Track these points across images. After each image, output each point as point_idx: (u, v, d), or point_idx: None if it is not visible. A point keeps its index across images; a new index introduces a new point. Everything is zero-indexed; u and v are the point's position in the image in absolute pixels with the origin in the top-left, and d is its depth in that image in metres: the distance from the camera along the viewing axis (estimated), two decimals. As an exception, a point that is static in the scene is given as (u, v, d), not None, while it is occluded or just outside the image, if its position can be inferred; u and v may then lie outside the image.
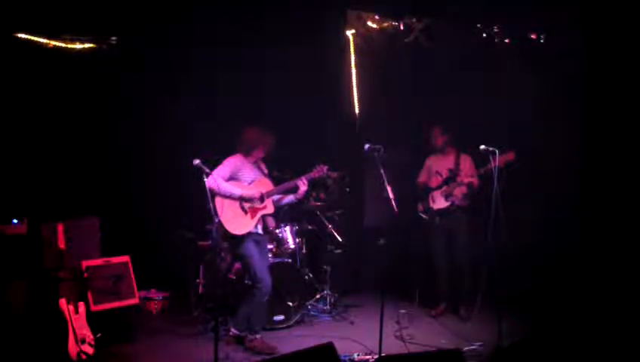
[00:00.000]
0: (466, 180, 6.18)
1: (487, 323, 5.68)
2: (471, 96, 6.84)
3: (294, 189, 5.55)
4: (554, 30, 6.54)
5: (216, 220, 5.33)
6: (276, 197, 5.68)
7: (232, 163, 5.47)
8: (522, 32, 6.64)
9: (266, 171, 5.71)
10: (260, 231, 5.58)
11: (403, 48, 6.58)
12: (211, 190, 5.19)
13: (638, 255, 5.82)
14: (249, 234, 5.44)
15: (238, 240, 5.43)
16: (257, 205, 5.47)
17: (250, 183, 5.49)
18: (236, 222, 5.39)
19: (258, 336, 5.43)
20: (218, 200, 5.33)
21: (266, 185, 5.57)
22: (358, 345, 5.44)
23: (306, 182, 5.50)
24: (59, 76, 6.45)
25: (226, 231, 5.38)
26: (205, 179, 4.83)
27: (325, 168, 5.58)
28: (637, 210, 5.94)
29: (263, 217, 5.58)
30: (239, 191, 5.37)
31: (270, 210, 5.59)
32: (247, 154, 5.55)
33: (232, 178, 5.44)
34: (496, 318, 5.03)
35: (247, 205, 5.45)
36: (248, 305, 5.46)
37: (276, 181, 5.72)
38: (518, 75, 6.63)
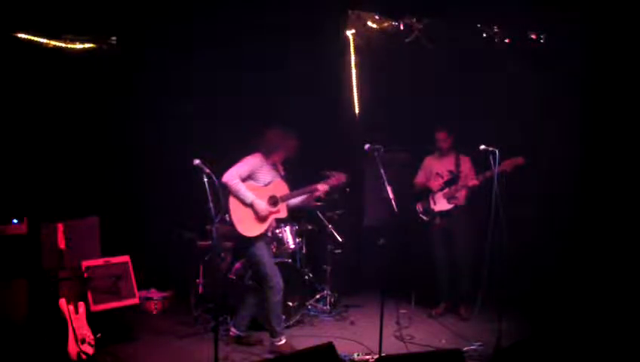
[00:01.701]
0: (470, 183, 6.18)
1: (487, 323, 5.68)
2: (471, 96, 6.84)
3: (310, 194, 5.51)
4: (554, 30, 6.54)
5: (227, 218, 5.29)
6: (294, 201, 5.59)
7: (251, 162, 5.37)
8: (522, 32, 6.63)
9: (283, 173, 5.60)
10: (269, 234, 5.55)
11: (403, 48, 6.58)
12: (226, 186, 5.15)
13: (638, 255, 5.81)
14: (259, 236, 5.37)
15: (248, 241, 5.35)
16: (272, 209, 5.38)
17: (266, 185, 5.40)
18: (248, 223, 5.31)
19: (284, 340, 5.35)
20: (232, 198, 5.26)
21: (282, 188, 5.48)
22: (358, 345, 5.44)
23: (326, 188, 5.42)
24: (59, 76, 6.45)
25: (235, 231, 5.31)
26: (204, 178, 4.78)
27: (344, 176, 5.50)
28: (637, 209, 5.94)
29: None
30: (251, 198, 5.27)
31: (283, 214, 5.48)
32: (267, 154, 5.44)
33: (249, 177, 5.35)
34: (496, 318, 5.03)
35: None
36: (262, 307, 5.39)
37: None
38: (518, 75, 6.63)
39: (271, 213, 5.37)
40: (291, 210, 5.69)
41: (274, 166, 5.51)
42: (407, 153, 7.21)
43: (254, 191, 5.32)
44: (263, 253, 5.38)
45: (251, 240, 5.35)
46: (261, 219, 5.34)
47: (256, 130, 5.60)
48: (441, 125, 6.49)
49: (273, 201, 5.39)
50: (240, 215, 5.29)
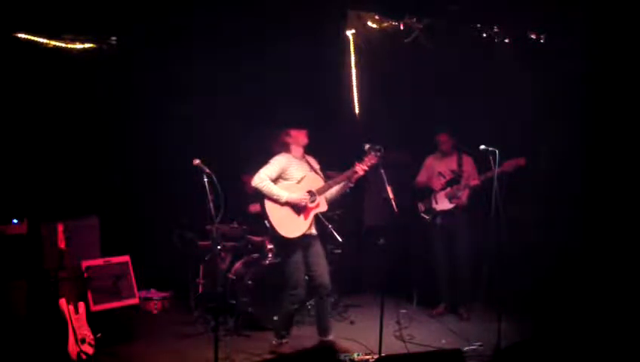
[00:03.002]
0: (472, 183, 6.19)
1: (487, 323, 5.68)
2: (471, 96, 6.84)
3: (348, 180, 5.23)
4: (554, 30, 6.54)
5: (267, 223, 5.20)
6: (331, 191, 5.35)
7: (279, 161, 5.25)
8: (522, 32, 6.64)
9: (317, 166, 5.45)
10: (314, 231, 5.32)
11: (403, 48, 6.58)
12: (257, 190, 5.09)
13: (638, 255, 5.81)
14: (302, 237, 5.20)
15: (288, 242, 5.20)
16: (310, 204, 5.21)
17: (299, 181, 5.26)
18: (288, 223, 5.15)
19: (284, 341, 5.32)
20: (267, 201, 5.14)
21: (316, 181, 5.31)
22: (358, 345, 5.44)
23: (366, 168, 5.11)
24: (59, 76, 6.44)
25: (275, 234, 5.19)
26: (204, 178, 4.76)
27: (379, 154, 5.12)
28: (638, 210, 5.94)
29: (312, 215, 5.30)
30: (285, 196, 5.12)
31: (324, 208, 5.29)
32: (289, 152, 5.36)
33: (280, 177, 5.23)
34: (496, 318, 5.03)
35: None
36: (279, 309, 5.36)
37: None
38: (518, 75, 6.63)
39: (310, 208, 5.20)
40: (331, 202, 5.45)
41: (304, 161, 5.38)
42: (407, 153, 7.21)
43: (289, 190, 5.18)
44: (298, 261, 5.21)
45: (289, 244, 5.19)
46: (301, 215, 5.17)
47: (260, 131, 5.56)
48: (441, 127, 6.49)
49: (311, 196, 5.22)
50: (279, 216, 5.14)
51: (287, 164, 5.27)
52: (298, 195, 5.16)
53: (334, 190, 5.35)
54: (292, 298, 5.26)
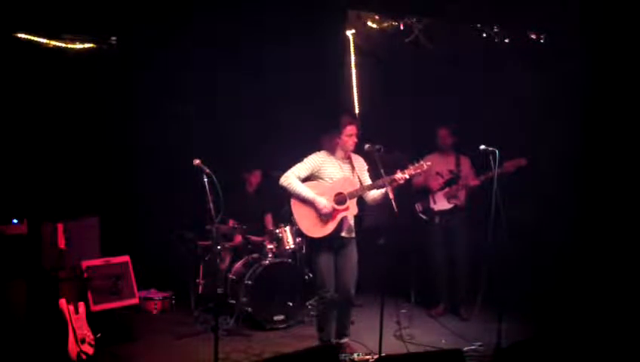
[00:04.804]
0: (472, 183, 6.19)
1: (487, 323, 5.68)
2: (471, 96, 6.84)
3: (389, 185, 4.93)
4: (554, 30, 6.54)
5: (293, 220, 5.17)
6: (372, 195, 5.17)
7: (312, 160, 5.14)
8: (522, 32, 6.64)
9: (363, 168, 5.28)
10: (344, 234, 5.13)
11: (403, 48, 6.59)
12: (282, 188, 5.04)
13: (637, 255, 5.81)
14: (328, 238, 5.06)
15: (312, 243, 5.16)
16: (339, 207, 5.06)
17: (332, 181, 5.12)
18: (313, 223, 5.04)
19: (340, 340, 5.23)
20: (292, 198, 5.08)
21: (350, 184, 5.11)
22: (358, 345, 5.44)
23: (407, 177, 4.93)
24: (59, 76, 6.45)
25: (299, 231, 5.15)
26: (204, 178, 4.75)
27: (426, 164, 5.02)
28: (637, 210, 5.94)
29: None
30: (311, 196, 5.00)
31: (353, 211, 5.11)
32: (330, 152, 5.24)
33: (313, 176, 5.13)
34: (496, 318, 5.03)
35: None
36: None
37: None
38: (518, 75, 6.63)
39: (337, 211, 5.04)
40: (375, 205, 5.27)
41: (346, 162, 5.24)
42: (407, 153, 7.20)
43: (318, 190, 5.06)
44: (322, 261, 5.09)
45: (315, 243, 5.12)
46: (326, 218, 5.03)
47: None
48: (443, 123, 6.50)
49: (340, 199, 5.06)
50: (302, 214, 5.05)
51: (322, 162, 5.15)
52: (323, 201, 5.01)
53: (375, 194, 5.16)
54: (322, 298, 5.14)
